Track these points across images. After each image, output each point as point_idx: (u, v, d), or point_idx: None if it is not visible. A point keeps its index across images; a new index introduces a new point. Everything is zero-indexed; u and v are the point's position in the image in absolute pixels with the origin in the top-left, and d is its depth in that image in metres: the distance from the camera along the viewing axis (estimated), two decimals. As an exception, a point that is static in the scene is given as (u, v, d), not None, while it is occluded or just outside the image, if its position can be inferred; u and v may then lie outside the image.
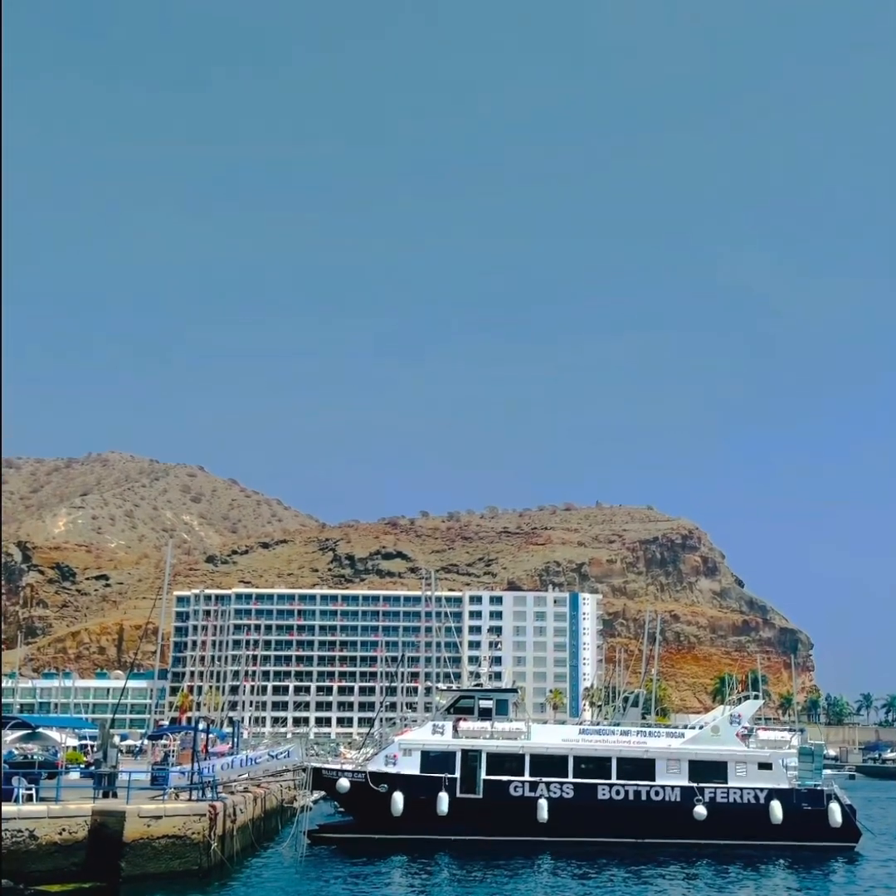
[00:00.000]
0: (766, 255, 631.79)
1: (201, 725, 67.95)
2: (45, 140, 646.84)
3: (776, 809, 55.48)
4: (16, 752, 56.81)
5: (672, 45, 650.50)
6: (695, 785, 55.94)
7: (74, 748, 76.81)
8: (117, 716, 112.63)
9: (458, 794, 54.87)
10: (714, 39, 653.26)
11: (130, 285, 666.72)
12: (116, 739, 64.87)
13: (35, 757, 56.68)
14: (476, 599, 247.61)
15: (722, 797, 55.93)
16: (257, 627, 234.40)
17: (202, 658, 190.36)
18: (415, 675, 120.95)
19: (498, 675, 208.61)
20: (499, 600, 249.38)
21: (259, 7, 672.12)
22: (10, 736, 59.18)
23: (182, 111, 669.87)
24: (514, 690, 70.68)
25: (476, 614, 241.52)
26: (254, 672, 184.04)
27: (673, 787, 55.90)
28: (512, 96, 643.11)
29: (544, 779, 55.56)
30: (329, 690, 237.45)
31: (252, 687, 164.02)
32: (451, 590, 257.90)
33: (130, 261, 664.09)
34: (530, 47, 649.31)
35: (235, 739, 75.23)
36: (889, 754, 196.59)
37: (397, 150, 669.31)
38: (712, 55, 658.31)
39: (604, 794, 55.68)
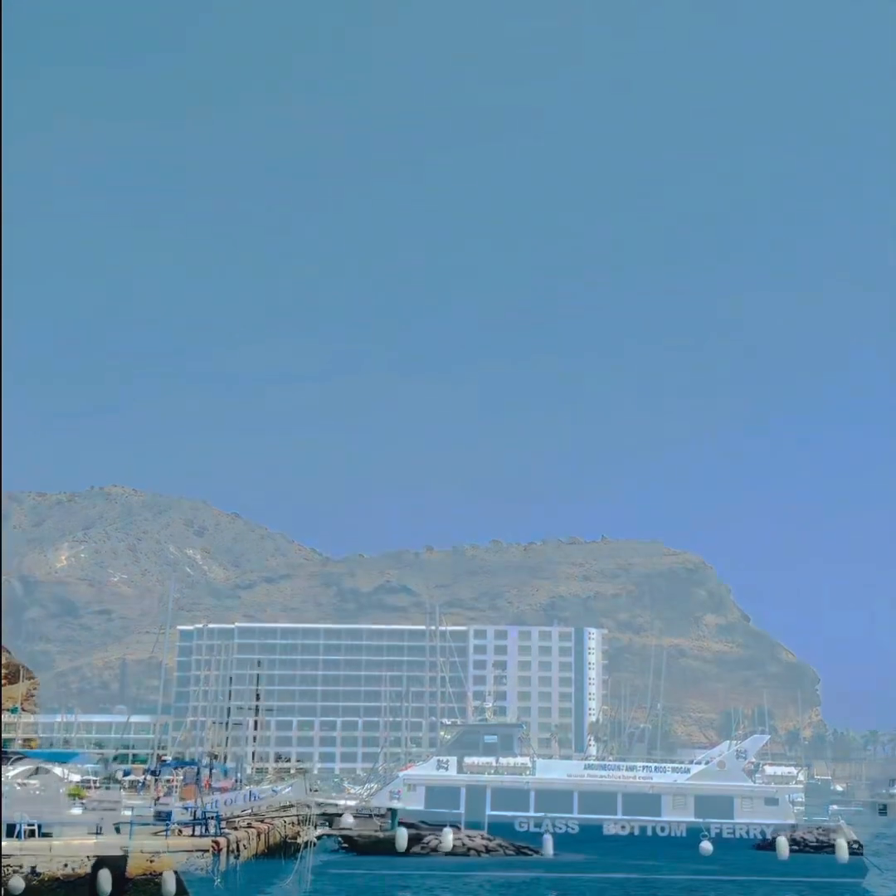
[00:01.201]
0: (773, 291, 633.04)
1: (204, 761, 67.59)
2: (48, 164, 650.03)
3: (783, 845, 55.06)
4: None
5: (684, 73, 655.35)
6: (701, 820, 55.61)
7: (77, 783, 76.36)
8: (120, 751, 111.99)
9: (463, 830, 54.55)
10: (719, 62, 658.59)
11: (131, 318, 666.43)
12: (119, 774, 64.60)
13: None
14: (481, 634, 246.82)
15: (728, 833, 55.57)
16: (261, 662, 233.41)
17: (205, 692, 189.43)
18: (419, 711, 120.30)
19: (503, 711, 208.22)
20: (504, 635, 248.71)
21: (265, 28, 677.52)
22: (12, 771, 58.96)
23: (183, 131, 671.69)
24: (518, 726, 70.53)
25: (481, 649, 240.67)
26: (257, 707, 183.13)
27: (679, 823, 55.56)
28: (526, 124, 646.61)
29: (550, 814, 55.27)
30: (333, 725, 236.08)
31: (255, 722, 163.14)
32: (455, 624, 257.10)
33: (131, 293, 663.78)
34: (537, 73, 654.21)
35: (239, 775, 74.89)
36: (895, 790, 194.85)
37: (406, 168, 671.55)
38: (721, 82, 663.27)
39: (609, 830, 55.33)
